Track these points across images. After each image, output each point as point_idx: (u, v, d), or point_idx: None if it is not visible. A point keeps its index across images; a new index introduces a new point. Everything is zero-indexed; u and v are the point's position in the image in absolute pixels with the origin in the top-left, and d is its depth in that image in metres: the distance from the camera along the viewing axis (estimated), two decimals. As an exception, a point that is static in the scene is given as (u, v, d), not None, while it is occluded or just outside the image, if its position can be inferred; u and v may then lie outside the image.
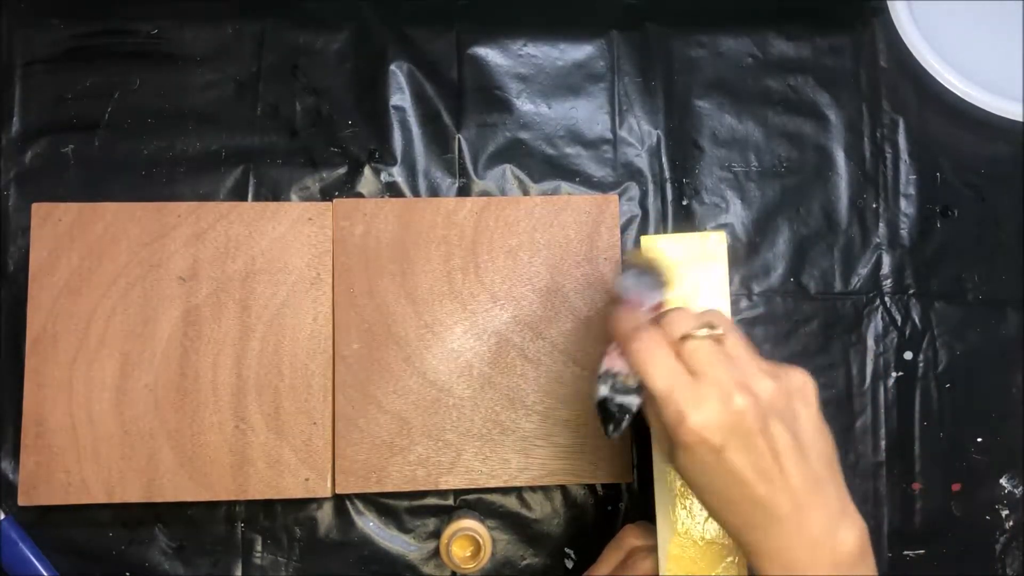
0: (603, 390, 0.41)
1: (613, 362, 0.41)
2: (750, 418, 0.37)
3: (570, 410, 0.57)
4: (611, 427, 0.42)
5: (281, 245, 0.57)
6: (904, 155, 0.63)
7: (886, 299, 0.62)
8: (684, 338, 0.39)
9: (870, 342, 0.61)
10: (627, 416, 0.41)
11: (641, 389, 0.40)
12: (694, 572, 0.48)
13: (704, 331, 0.39)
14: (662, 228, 0.62)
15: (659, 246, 0.50)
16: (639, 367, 0.39)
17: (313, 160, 0.61)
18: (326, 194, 0.61)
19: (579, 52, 0.63)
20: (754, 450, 0.37)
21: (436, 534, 0.58)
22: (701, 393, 0.37)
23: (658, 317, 0.41)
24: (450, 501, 0.59)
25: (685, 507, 0.48)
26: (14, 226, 0.59)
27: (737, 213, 0.62)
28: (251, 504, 0.58)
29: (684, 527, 0.48)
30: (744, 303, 0.61)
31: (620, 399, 0.40)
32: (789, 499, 0.37)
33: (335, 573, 0.58)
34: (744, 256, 0.62)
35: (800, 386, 0.40)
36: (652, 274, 0.44)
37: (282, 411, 0.56)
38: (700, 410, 0.37)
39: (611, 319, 0.42)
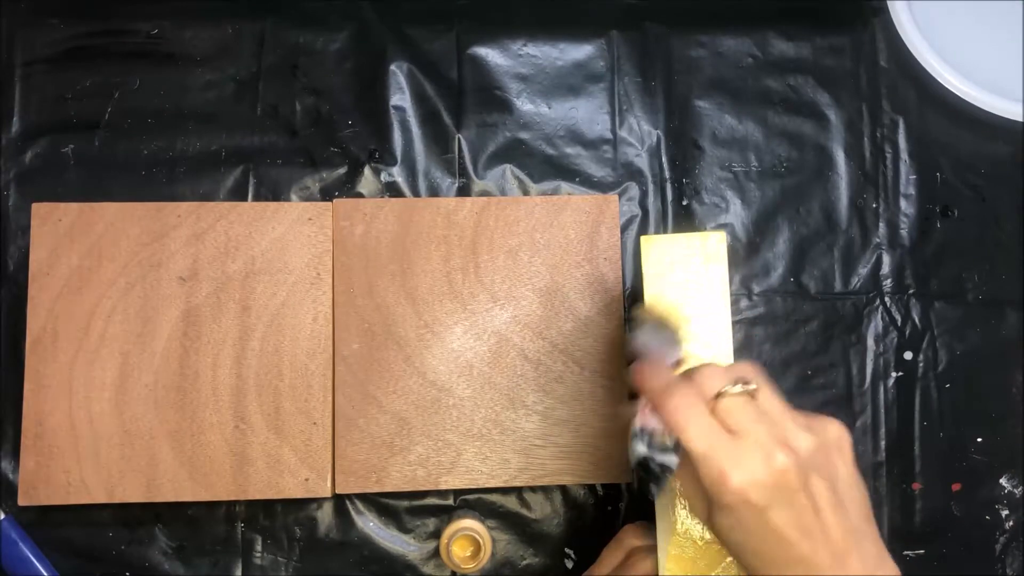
0: (641, 449, 0.40)
1: (646, 419, 0.40)
2: (792, 476, 0.37)
3: (570, 410, 0.57)
4: (653, 487, 0.40)
5: (281, 245, 0.57)
6: (904, 155, 0.63)
7: (886, 299, 0.62)
8: (718, 395, 0.38)
9: (870, 342, 0.61)
10: (669, 474, 0.40)
11: (678, 447, 0.39)
12: (694, 572, 0.48)
13: (738, 387, 0.39)
14: (662, 228, 0.62)
15: (665, 296, 0.49)
16: (675, 427, 0.38)
17: (313, 160, 0.61)
18: (326, 194, 0.61)
19: (579, 52, 0.63)
20: (796, 507, 0.37)
21: (436, 534, 0.58)
22: (742, 452, 0.37)
23: (688, 373, 0.40)
24: (450, 501, 0.59)
25: (685, 507, 0.48)
26: (14, 226, 0.59)
27: (737, 213, 0.62)
28: (251, 504, 0.58)
29: (684, 527, 0.48)
30: (744, 303, 0.61)
31: (660, 458, 0.39)
32: (830, 553, 0.37)
33: (335, 573, 0.58)
34: (744, 256, 0.62)
35: (837, 439, 0.39)
36: (666, 330, 0.43)
37: (282, 411, 0.56)
38: (742, 470, 0.36)
39: (637, 375, 0.41)
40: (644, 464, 0.40)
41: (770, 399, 0.39)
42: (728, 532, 0.38)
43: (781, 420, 0.38)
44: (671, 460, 0.39)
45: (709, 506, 0.38)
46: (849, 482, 0.39)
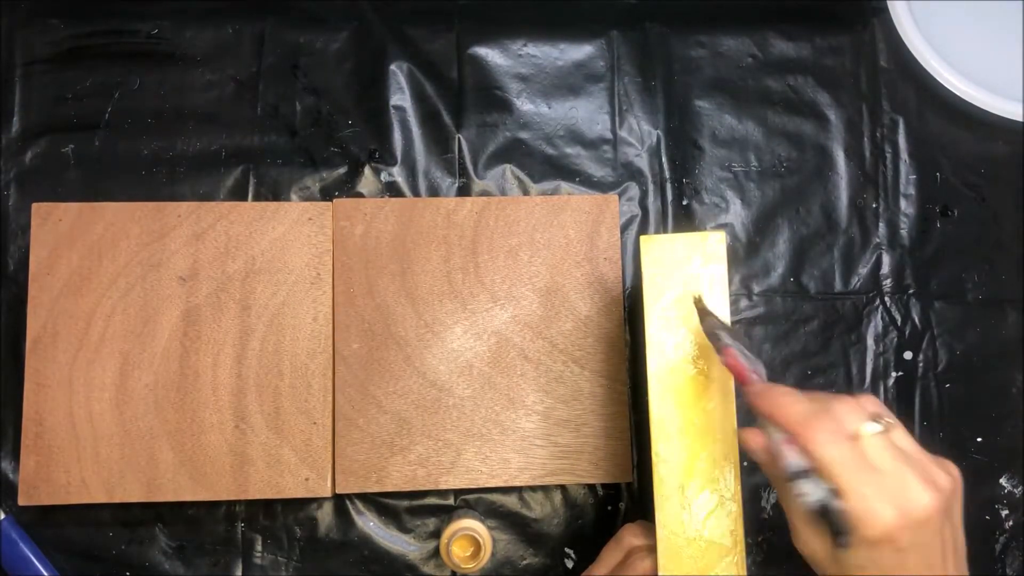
0: (814, 492, 0.38)
1: (792, 455, 0.38)
2: (936, 518, 0.37)
3: (570, 410, 0.57)
4: (843, 537, 0.37)
5: (281, 245, 0.57)
6: (904, 155, 0.63)
7: (886, 299, 0.62)
8: (856, 433, 0.38)
9: (870, 342, 0.61)
10: (846, 519, 0.37)
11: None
12: (693, 572, 0.48)
13: (876, 426, 0.38)
14: (662, 228, 0.62)
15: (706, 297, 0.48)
16: (823, 461, 0.37)
17: (313, 160, 0.61)
18: (326, 194, 0.61)
19: (579, 52, 0.63)
20: (931, 549, 0.37)
21: (436, 534, 0.58)
22: (890, 491, 0.36)
23: (821, 405, 0.39)
24: (450, 501, 0.59)
25: (684, 506, 0.48)
26: (14, 226, 0.59)
27: (737, 213, 0.62)
28: (251, 504, 0.58)
29: (683, 526, 0.48)
30: (744, 303, 0.61)
31: (836, 503, 0.37)
32: None
33: (335, 573, 0.58)
34: (744, 256, 0.62)
35: (959, 479, 0.39)
36: (745, 339, 0.43)
37: (282, 411, 0.56)
38: (891, 508, 0.36)
39: (768, 400, 0.40)
40: (826, 512, 0.38)
41: (904, 437, 0.39)
42: (856, 569, 0.37)
43: (920, 459, 0.38)
44: (840, 504, 0.37)
45: (838, 542, 0.37)
46: (960, 527, 0.39)
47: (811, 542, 0.39)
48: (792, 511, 0.40)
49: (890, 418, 0.39)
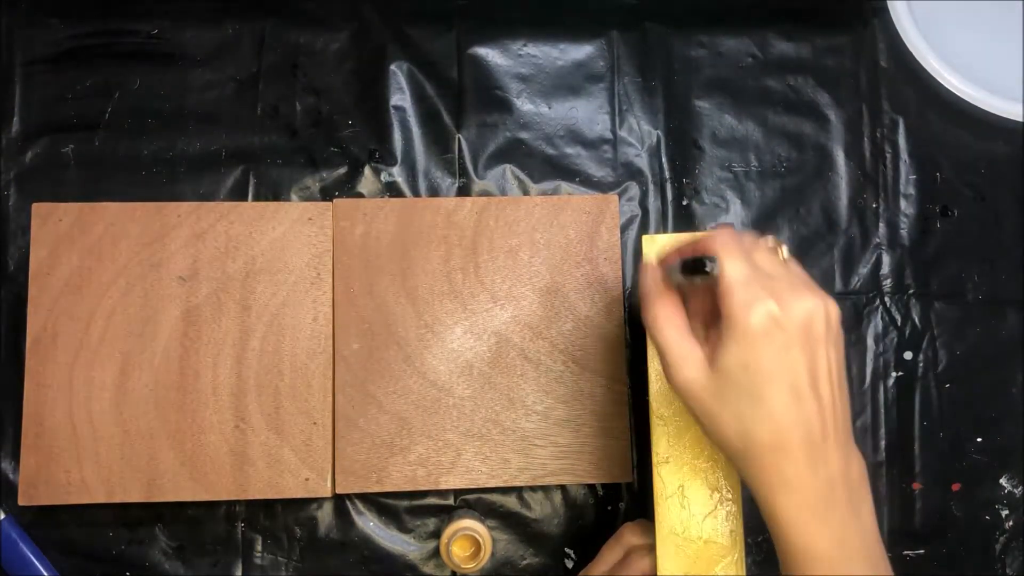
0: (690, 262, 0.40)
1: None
2: (820, 326, 0.37)
3: (570, 410, 0.57)
4: (711, 264, 0.38)
5: (281, 245, 0.57)
6: (904, 155, 0.63)
7: (886, 299, 0.62)
8: (752, 249, 0.39)
9: (870, 342, 0.61)
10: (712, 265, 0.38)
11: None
12: (692, 571, 0.48)
13: (771, 241, 0.40)
14: (662, 228, 0.62)
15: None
16: (718, 250, 0.38)
17: (313, 160, 0.61)
18: (326, 194, 0.61)
19: (579, 52, 0.63)
20: (817, 359, 0.37)
21: (436, 534, 0.58)
22: (774, 288, 0.37)
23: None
24: (450, 501, 0.59)
25: (684, 506, 0.48)
26: (14, 226, 0.59)
27: (737, 213, 0.62)
28: (251, 504, 0.58)
29: (683, 526, 0.48)
30: (744, 303, 0.61)
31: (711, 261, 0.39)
32: (821, 425, 0.38)
33: (335, 573, 0.58)
34: (744, 256, 0.62)
35: (840, 314, 0.40)
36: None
37: (282, 411, 0.56)
38: (773, 300, 0.37)
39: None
40: (695, 262, 0.39)
41: (798, 265, 0.40)
42: (735, 370, 0.38)
43: (811, 281, 0.39)
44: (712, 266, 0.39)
45: (722, 340, 0.38)
46: (843, 377, 0.40)
47: (685, 362, 0.39)
48: (662, 325, 0.40)
49: (785, 253, 0.40)
